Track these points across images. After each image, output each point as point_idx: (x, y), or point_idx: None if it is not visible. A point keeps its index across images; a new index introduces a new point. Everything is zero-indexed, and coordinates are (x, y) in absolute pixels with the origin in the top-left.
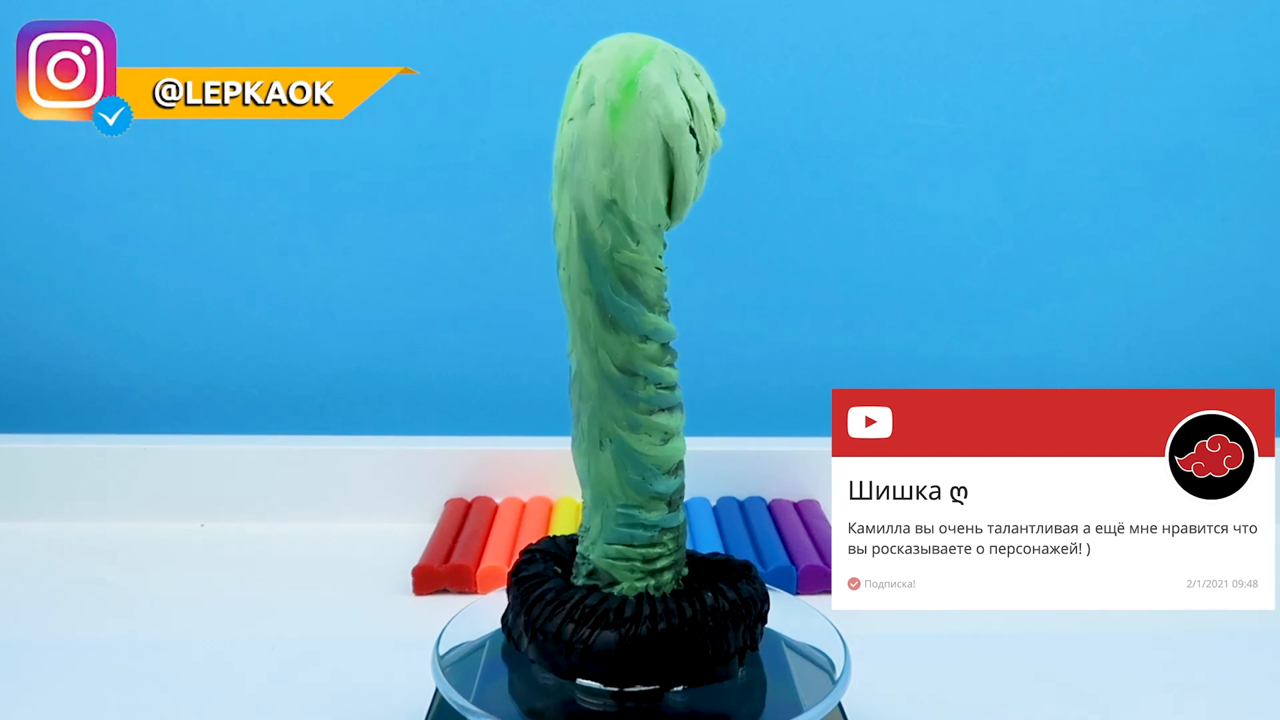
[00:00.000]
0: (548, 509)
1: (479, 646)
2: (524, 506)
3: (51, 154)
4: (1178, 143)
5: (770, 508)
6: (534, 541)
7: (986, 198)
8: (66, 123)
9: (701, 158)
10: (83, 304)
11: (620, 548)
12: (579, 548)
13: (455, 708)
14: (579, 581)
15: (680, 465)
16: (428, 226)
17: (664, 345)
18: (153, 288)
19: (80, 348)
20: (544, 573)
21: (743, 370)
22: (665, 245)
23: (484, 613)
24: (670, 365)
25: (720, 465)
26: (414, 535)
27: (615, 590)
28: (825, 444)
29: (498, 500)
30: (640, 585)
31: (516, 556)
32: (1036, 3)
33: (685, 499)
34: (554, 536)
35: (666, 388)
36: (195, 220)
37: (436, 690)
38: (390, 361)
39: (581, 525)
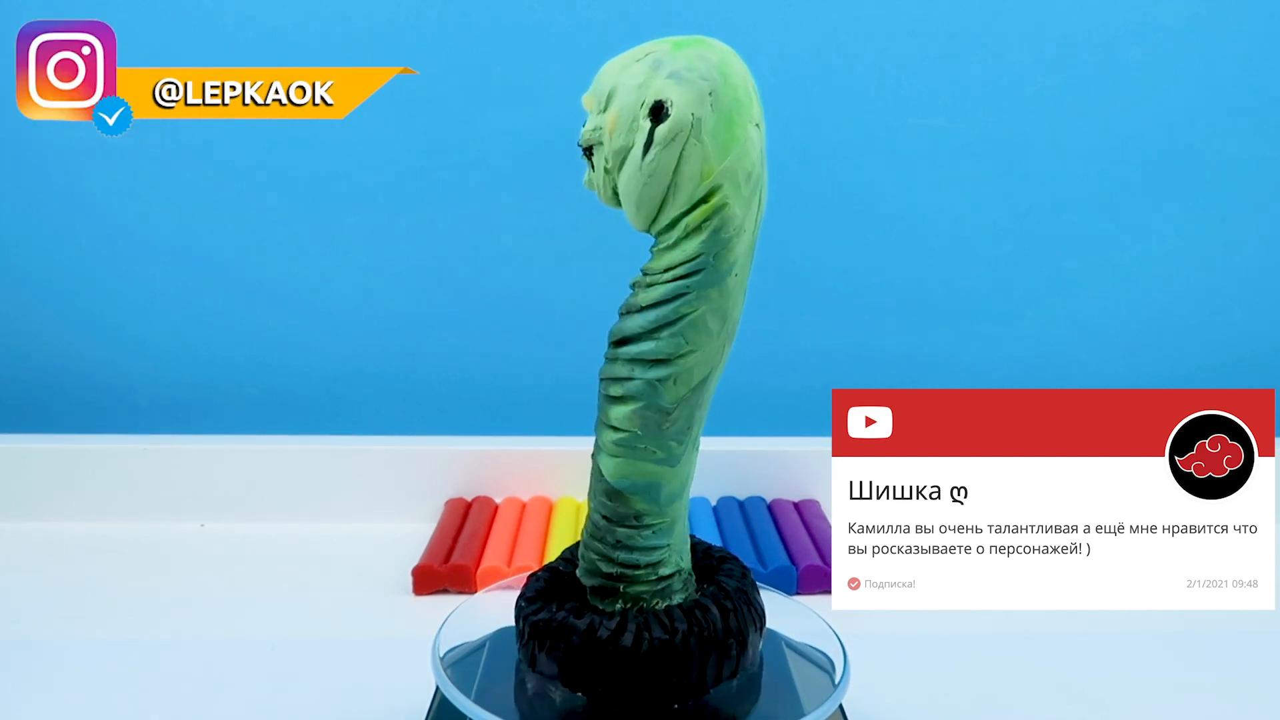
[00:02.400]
0: (548, 509)
1: (479, 646)
2: (524, 506)
3: (51, 154)
4: (1178, 143)
5: (770, 508)
6: (537, 571)
7: (986, 198)
8: (66, 123)
9: None
10: (83, 304)
11: (688, 540)
12: (673, 567)
13: (458, 707)
14: (682, 597)
15: None
16: (428, 226)
17: None
18: (153, 288)
19: (80, 348)
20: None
21: (743, 370)
22: None
23: (481, 611)
24: None
25: (720, 465)
26: (414, 535)
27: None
28: (825, 444)
29: (498, 500)
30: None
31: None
32: (1036, 3)
33: None
34: (539, 583)
35: None
36: (195, 220)
37: (437, 690)
38: (390, 361)
39: (649, 550)
